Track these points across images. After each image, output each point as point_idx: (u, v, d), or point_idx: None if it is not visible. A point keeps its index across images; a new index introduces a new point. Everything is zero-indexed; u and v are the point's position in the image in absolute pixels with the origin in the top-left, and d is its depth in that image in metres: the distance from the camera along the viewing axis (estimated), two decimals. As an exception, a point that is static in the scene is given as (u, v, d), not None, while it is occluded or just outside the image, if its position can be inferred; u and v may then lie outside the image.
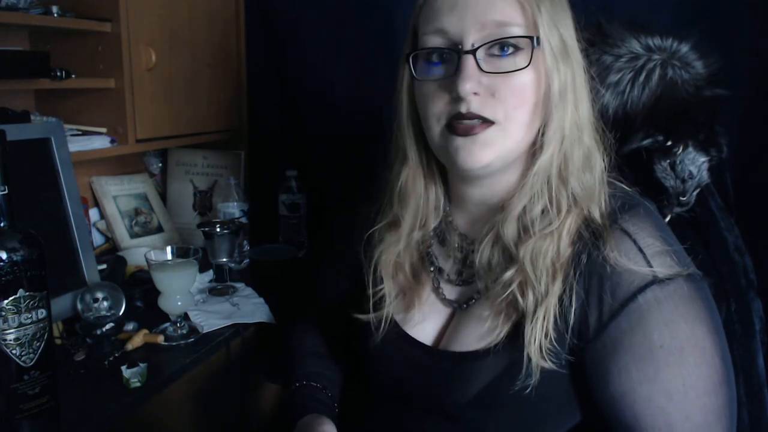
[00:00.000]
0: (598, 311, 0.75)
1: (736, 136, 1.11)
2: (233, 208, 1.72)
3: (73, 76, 1.39)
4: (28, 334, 0.88)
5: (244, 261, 1.67)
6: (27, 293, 0.87)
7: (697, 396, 0.71)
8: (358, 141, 1.70)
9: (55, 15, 1.36)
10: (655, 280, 0.73)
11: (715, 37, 1.01)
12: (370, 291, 0.91)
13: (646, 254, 0.74)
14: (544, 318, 0.75)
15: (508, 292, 0.78)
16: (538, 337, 0.75)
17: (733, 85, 1.02)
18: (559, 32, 0.77)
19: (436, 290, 0.90)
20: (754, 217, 1.06)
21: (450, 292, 0.89)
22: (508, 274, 0.78)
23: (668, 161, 0.93)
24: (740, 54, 1.17)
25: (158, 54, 1.55)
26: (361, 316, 0.92)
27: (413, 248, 0.91)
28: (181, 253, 1.28)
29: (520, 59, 0.75)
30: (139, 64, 1.50)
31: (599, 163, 0.80)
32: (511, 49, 0.75)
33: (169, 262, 1.27)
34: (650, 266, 0.73)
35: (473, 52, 0.75)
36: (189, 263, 1.25)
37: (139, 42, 1.49)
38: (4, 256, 0.85)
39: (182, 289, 1.24)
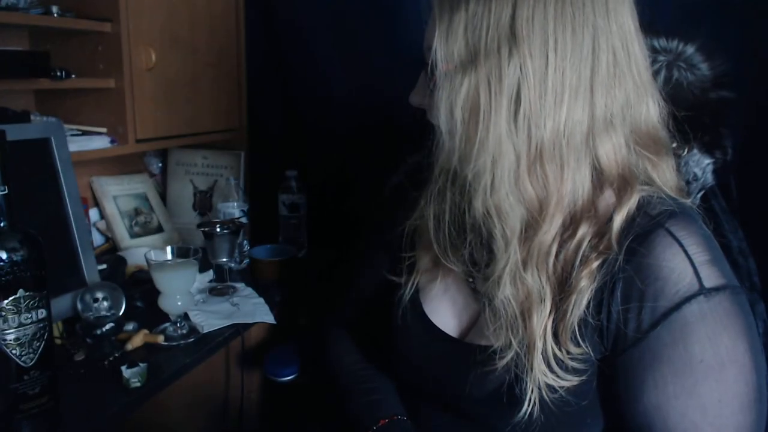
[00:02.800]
0: (638, 319, 0.72)
1: (740, 139, 1.11)
2: (233, 208, 1.71)
3: (73, 76, 1.39)
4: (28, 334, 0.87)
5: (244, 261, 1.67)
6: (27, 293, 0.87)
7: (732, 413, 0.70)
8: (358, 141, 1.71)
9: (55, 15, 1.36)
10: (702, 291, 0.70)
11: (720, 40, 1.00)
12: (406, 255, 0.90)
13: (694, 262, 0.70)
14: (549, 352, 0.73)
15: (510, 313, 0.76)
16: (542, 367, 0.73)
17: (739, 88, 1.02)
18: (458, 41, 0.72)
19: (467, 281, 0.88)
20: (758, 219, 1.06)
21: (481, 284, 0.85)
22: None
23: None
24: (745, 56, 1.17)
25: (158, 54, 1.54)
26: (395, 278, 0.91)
27: (451, 221, 0.87)
28: (181, 253, 1.28)
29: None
30: (139, 64, 1.50)
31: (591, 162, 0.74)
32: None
33: (169, 262, 1.27)
34: (697, 275, 0.70)
35: (425, 67, 0.76)
36: (189, 263, 1.25)
37: (139, 42, 1.49)
38: (4, 256, 0.84)
39: (182, 289, 1.24)
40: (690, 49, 1.00)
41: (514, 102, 0.70)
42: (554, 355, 0.73)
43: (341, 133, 1.77)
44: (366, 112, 1.71)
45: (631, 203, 0.74)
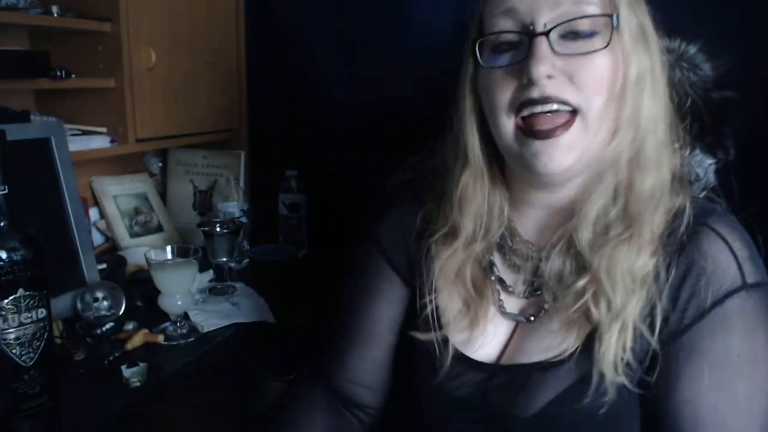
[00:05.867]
0: (681, 313, 0.71)
1: (742, 139, 1.11)
2: (233, 208, 1.72)
3: (73, 76, 1.39)
4: (28, 334, 0.87)
5: (244, 261, 1.67)
6: (27, 293, 0.86)
7: (759, 410, 0.70)
8: (358, 141, 1.71)
9: (55, 15, 1.36)
10: (744, 286, 0.70)
11: (723, 39, 1.00)
12: (429, 308, 0.82)
13: (738, 257, 0.71)
14: (620, 333, 0.70)
15: (580, 303, 0.73)
16: (613, 352, 0.70)
17: (741, 88, 1.02)
18: (637, 16, 0.72)
19: (497, 303, 0.83)
20: (760, 219, 1.05)
21: (512, 305, 0.83)
22: (581, 283, 0.73)
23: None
24: (748, 56, 1.16)
25: (158, 54, 1.54)
26: (420, 336, 0.83)
27: (475, 260, 0.83)
28: (181, 252, 1.28)
29: (597, 41, 0.70)
30: (139, 64, 1.50)
31: (675, 158, 0.76)
32: (586, 32, 0.70)
33: (169, 262, 1.27)
34: (741, 271, 0.70)
35: (546, 33, 0.69)
36: (189, 263, 1.25)
37: (139, 42, 1.49)
38: (4, 256, 0.84)
39: (182, 289, 1.24)
40: (692, 49, 1.00)
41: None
42: (624, 335, 0.71)
43: (341, 133, 1.77)
44: (366, 112, 1.71)
45: (687, 198, 0.75)
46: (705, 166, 0.96)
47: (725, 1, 1.21)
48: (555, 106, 0.70)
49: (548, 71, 0.69)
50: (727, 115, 1.01)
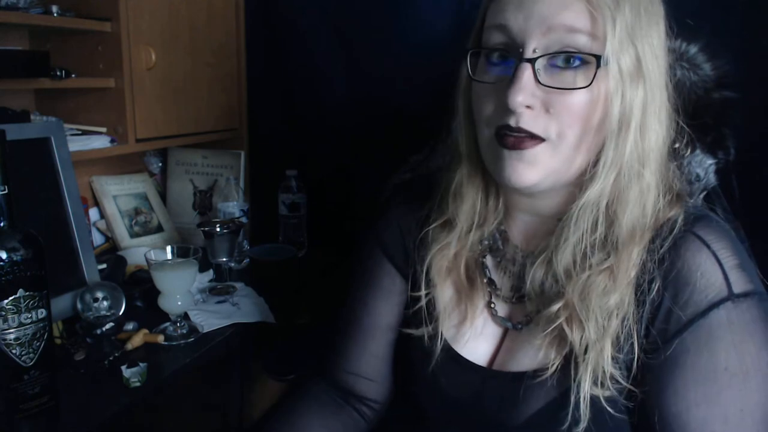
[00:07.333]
0: (664, 324, 0.70)
1: (743, 139, 1.10)
2: (233, 208, 1.71)
3: (73, 75, 1.39)
4: (28, 334, 0.87)
5: (244, 261, 1.67)
6: (27, 293, 0.86)
7: (753, 423, 0.68)
8: (358, 140, 1.71)
9: (55, 14, 1.36)
10: (730, 297, 0.68)
11: (724, 39, 1.00)
12: (423, 293, 0.85)
13: (724, 266, 0.69)
14: (596, 358, 0.70)
15: (554, 326, 0.73)
16: (590, 373, 0.70)
17: (742, 88, 1.01)
18: (636, 49, 0.68)
19: (489, 305, 0.85)
20: (759, 220, 1.05)
21: (502, 309, 0.85)
22: (555, 307, 0.73)
23: (675, 163, 0.93)
24: (749, 56, 1.16)
25: (158, 54, 1.54)
26: (412, 331, 0.86)
27: (468, 251, 0.85)
28: (181, 252, 1.28)
29: (580, 77, 0.68)
30: (139, 64, 1.50)
31: (659, 200, 0.73)
32: (577, 62, 0.68)
33: (169, 262, 1.26)
34: (727, 280, 0.68)
35: (533, 61, 0.67)
36: (189, 263, 1.25)
37: (139, 42, 1.49)
38: (4, 256, 0.84)
39: (182, 289, 1.24)
40: (693, 49, 1.00)
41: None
42: (600, 365, 0.71)
43: (341, 132, 1.77)
44: (366, 112, 1.71)
45: (669, 220, 0.73)
46: (705, 166, 0.96)
47: (726, 1, 1.21)
48: (525, 135, 0.70)
49: (527, 101, 0.68)
50: (728, 115, 1.01)
